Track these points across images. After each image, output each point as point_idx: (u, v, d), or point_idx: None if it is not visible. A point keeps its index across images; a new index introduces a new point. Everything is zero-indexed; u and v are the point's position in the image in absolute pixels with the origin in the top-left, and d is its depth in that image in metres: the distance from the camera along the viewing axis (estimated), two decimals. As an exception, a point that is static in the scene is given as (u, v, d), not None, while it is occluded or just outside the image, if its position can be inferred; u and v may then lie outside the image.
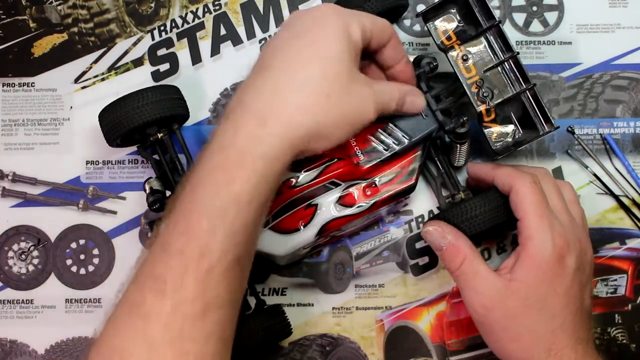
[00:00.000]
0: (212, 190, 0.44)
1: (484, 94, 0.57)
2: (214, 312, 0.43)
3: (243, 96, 0.47)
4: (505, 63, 0.57)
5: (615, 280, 0.64)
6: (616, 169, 0.65)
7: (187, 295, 0.42)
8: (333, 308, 0.64)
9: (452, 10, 0.58)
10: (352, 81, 0.48)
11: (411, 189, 0.58)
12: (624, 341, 0.63)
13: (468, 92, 0.57)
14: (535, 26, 0.66)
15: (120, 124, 0.57)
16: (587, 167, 0.65)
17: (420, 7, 0.66)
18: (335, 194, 0.57)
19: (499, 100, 0.56)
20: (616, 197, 0.64)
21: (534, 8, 0.66)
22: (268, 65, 0.48)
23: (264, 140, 0.44)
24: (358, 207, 0.57)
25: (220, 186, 0.44)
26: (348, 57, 0.48)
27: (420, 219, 0.64)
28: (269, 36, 0.66)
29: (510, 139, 0.58)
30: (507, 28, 0.66)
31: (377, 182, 0.57)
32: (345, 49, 0.48)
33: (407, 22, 0.66)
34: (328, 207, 0.57)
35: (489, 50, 0.58)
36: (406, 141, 0.57)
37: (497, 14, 0.65)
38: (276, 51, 0.48)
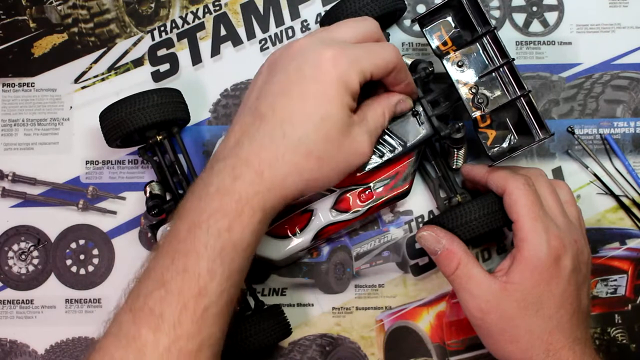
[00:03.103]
0: (213, 234, 0.45)
1: (479, 101, 0.57)
2: (208, 349, 0.45)
3: (241, 142, 0.48)
4: (501, 69, 0.57)
5: (615, 280, 0.64)
6: (616, 169, 0.65)
7: (183, 333, 0.44)
8: (333, 308, 0.64)
9: (448, 16, 0.58)
10: (346, 133, 0.48)
11: (405, 194, 0.58)
12: (624, 341, 0.63)
13: (463, 99, 0.57)
14: (535, 26, 0.66)
15: (122, 124, 0.57)
16: (587, 167, 0.64)
17: (421, 8, 0.66)
18: (330, 199, 0.57)
19: (494, 108, 0.56)
20: (616, 197, 0.64)
21: (534, 8, 0.66)
22: (266, 115, 0.48)
23: (262, 195, 0.46)
24: (353, 212, 0.57)
25: (221, 232, 0.45)
26: (344, 114, 0.48)
27: (420, 219, 0.64)
28: (269, 37, 0.66)
29: (505, 145, 0.58)
30: (507, 28, 0.66)
31: (372, 188, 0.58)
32: (342, 109, 0.48)
33: (407, 22, 0.66)
34: (323, 212, 0.57)
35: (485, 56, 0.57)
36: (400, 148, 0.57)
37: (497, 14, 0.66)
38: (275, 100, 0.48)
